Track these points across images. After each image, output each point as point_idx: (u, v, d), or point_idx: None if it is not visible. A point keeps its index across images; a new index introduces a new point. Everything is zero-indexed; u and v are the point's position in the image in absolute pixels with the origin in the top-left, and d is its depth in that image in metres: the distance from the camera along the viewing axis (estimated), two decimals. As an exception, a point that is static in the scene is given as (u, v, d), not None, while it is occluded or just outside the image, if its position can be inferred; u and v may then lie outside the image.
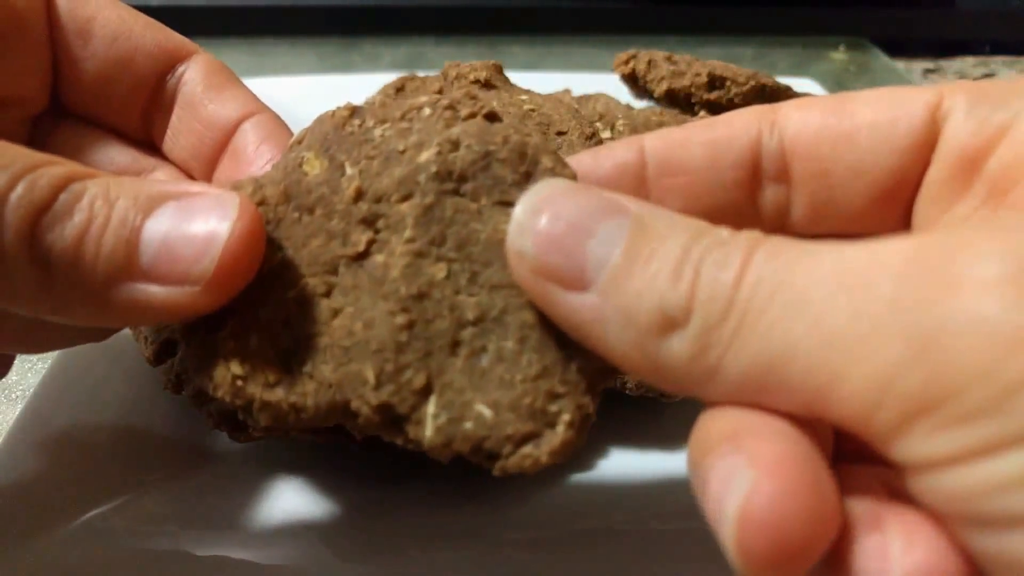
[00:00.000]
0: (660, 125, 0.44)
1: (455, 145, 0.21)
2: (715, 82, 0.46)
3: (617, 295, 0.17)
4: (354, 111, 0.23)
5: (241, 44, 0.70)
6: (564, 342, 0.20)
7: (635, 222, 0.18)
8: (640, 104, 0.49)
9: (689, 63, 0.48)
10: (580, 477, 0.30)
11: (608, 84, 0.53)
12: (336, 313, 0.21)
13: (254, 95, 0.29)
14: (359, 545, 0.28)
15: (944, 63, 0.75)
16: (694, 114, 0.47)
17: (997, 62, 0.75)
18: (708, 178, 0.23)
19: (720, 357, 0.17)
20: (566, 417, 0.20)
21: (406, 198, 0.21)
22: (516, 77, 0.51)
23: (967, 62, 0.75)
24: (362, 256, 0.21)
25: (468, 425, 0.20)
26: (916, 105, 0.21)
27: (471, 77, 0.45)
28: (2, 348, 0.26)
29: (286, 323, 0.21)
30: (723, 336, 0.16)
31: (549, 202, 0.19)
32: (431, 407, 0.20)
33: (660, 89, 0.48)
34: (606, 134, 0.42)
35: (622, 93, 0.51)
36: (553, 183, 0.20)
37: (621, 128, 0.42)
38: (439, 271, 0.21)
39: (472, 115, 0.22)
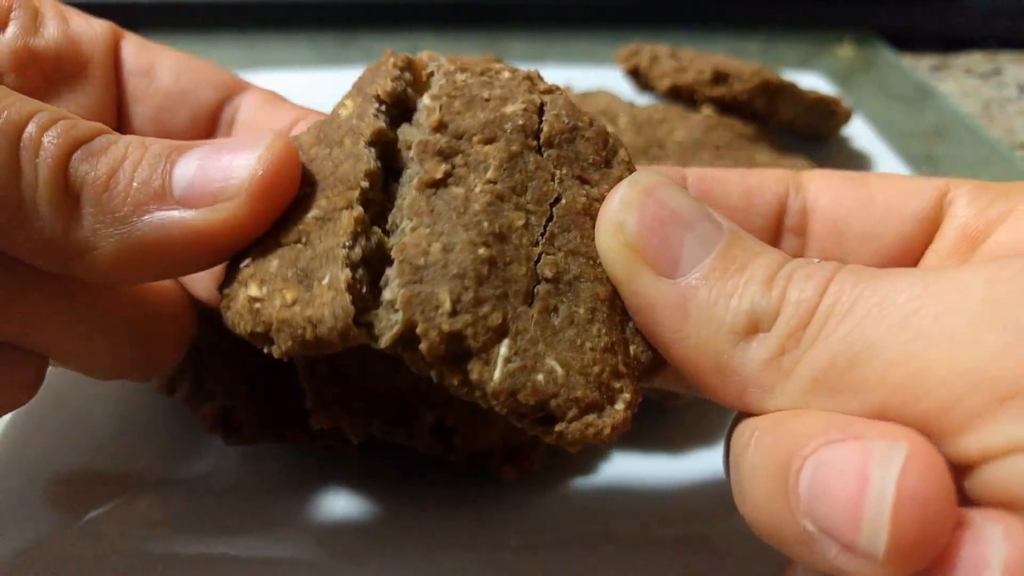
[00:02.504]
0: (663, 122, 0.43)
1: (540, 109, 0.22)
2: (719, 78, 0.45)
3: (706, 291, 0.19)
4: (400, 65, 0.23)
5: (236, 38, 0.70)
6: (625, 326, 0.21)
7: (731, 233, 0.19)
8: (643, 100, 0.49)
9: (692, 58, 0.48)
10: (581, 481, 0.30)
11: (611, 78, 0.52)
12: (393, 229, 0.20)
13: (302, 108, 0.29)
14: (355, 549, 0.27)
15: (951, 58, 0.75)
16: (698, 110, 0.46)
17: (1004, 58, 0.75)
18: (742, 219, 0.24)
19: (797, 360, 0.18)
20: (626, 396, 0.20)
21: (489, 141, 0.21)
22: (517, 72, 0.51)
23: (974, 57, 0.75)
24: (439, 184, 0.21)
25: (539, 377, 0.19)
26: (926, 188, 0.23)
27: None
28: (22, 335, 0.23)
29: (306, 242, 0.20)
30: (804, 339, 0.17)
31: (656, 188, 0.20)
32: (503, 349, 0.19)
33: (663, 85, 0.47)
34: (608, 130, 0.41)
35: (624, 87, 0.51)
36: (657, 175, 0.21)
37: (623, 124, 0.42)
38: (518, 218, 0.21)
39: (549, 91, 0.23)
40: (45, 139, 0.19)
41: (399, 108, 0.22)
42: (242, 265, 0.21)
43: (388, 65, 0.22)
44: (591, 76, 0.53)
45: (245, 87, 0.29)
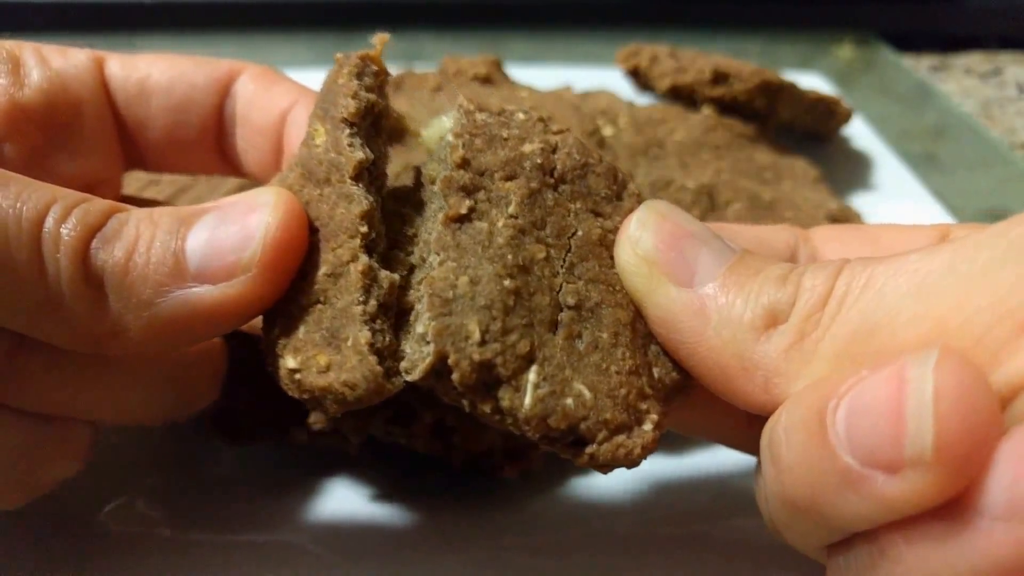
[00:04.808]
0: (663, 122, 0.43)
1: (555, 148, 0.23)
2: (719, 78, 0.45)
3: (724, 295, 0.20)
4: (356, 72, 0.23)
5: (234, 38, 0.70)
6: (647, 350, 0.21)
7: (743, 250, 0.21)
8: (643, 100, 0.49)
9: (693, 58, 0.48)
10: (581, 481, 0.30)
11: (611, 78, 0.52)
12: (419, 263, 0.21)
13: (297, 86, 0.29)
14: (355, 549, 0.27)
15: (951, 58, 0.74)
16: (698, 110, 0.46)
17: (1004, 58, 0.74)
18: None
19: (818, 340, 0.18)
20: (654, 417, 0.20)
21: (510, 178, 0.22)
22: (517, 70, 0.50)
23: (974, 57, 0.75)
24: (463, 219, 0.21)
25: (568, 401, 0.20)
26: (928, 229, 0.24)
27: (470, 73, 0.45)
28: (68, 407, 0.23)
29: (325, 300, 0.21)
30: (823, 320, 0.18)
31: (669, 212, 0.22)
32: (532, 375, 0.20)
33: (663, 85, 0.47)
34: (608, 130, 0.41)
35: (624, 87, 0.51)
36: (669, 204, 0.22)
37: (623, 124, 0.42)
38: (539, 251, 0.21)
39: (561, 131, 0.23)
40: (63, 232, 0.19)
41: (370, 117, 0.23)
42: (274, 336, 0.21)
43: (344, 77, 0.23)
44: (591, 76, 0.53)
45: (237, 72, 0.28)
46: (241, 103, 0.28)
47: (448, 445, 0.28)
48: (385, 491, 0.29)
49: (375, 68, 0.23)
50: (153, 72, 0.28)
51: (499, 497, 0.29)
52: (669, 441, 0.31)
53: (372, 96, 0.23)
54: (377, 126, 0.23)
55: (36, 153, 0.25)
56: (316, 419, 0.27)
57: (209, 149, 0.29)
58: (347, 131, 0.22)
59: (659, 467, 0.31)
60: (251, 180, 0.30)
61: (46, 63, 0.26)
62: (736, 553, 0.27)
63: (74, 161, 0.27)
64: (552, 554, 0.27)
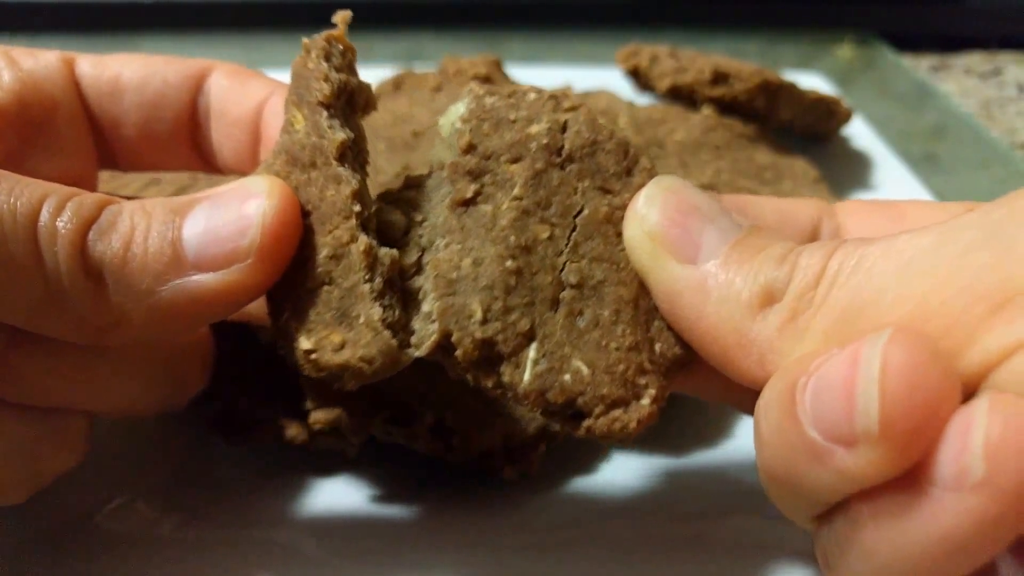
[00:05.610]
0: (663, 122, 0.43)
1: (563, 127, 0.23)
2: (719, 78, 0.45)
3: (724, 272, 0.20)
4: (324, 54, 0.23)
5: (236, 38, 0.70)
6: (650, 325, 0.22)
7: (749, 226, 0.21)
8: (643, 100, 0.49)
9: (693, 58, 0.48)
10: (581, 481, 0.30)
11: (611, 78, 0.52)
12: (428, 246, 0.22)
13: (270, 80, 0.29)
14: (355, 549, 0.27)
15: (951, 58, 0.74)
16: (698, 110, 0.46)
17: (1004, 58, 0.74)
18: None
19: (810, 318, 0.19)
20: (652, 392, 0.21)
21: (516, 160, 0.23)
22: (517, 70, 0.50)
23: (974, 57, 0.75)
24: (469, 202, 0.22)
25: (566, 377, 0.21)
26: (953, 206, 0.24)
27: (470, 73, 0.45)
28: (66, 399, 0.23)
29: (331, 281, 0.21)
30: (815, 299, 0.19)
31: (678, 188, 0.22)
32: (532, 352, 0.21)
33: (663, 85, 0.47)
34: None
35: (624, 87, 0.51)
36: (679, 179, 0.23)
37: (623, 124, 0.42)
38: (542, 231, 0.22)
39: (573, 108, 0.24)
40: (59, 225, 0.20)
41: (344, 96, 0.23)
42: (284, 321, 0.22)
43: (313, 61, 0.23)
44: (591, 76, 0.53)
45: (209, 69, 0.29)
46: (215, 97, 0.28)
47: (448, 445, 0.28)
48: (385, 491, 0.29)
49: (342, 47, 0.24)
50: (125, 71, 0.28)
51: (499, 497, 0.29)
52: (669, 441, 0.31)
53: (343, 76, 0.23)
54: (352, 103, 0.24)
55: (12, 154, 0.25)
56: (316, 419, 0.27)
57: (183, 145, 0.29)
58: (324, 114, 0.22)
59: (659, 467, 0.31)
60: (228, 174, 0.30)
61: (16, 64, 0.26)
62: (736, 553, 0.27)
63: (50, 161, 0.27)
64: (552, 554, 0.27)
